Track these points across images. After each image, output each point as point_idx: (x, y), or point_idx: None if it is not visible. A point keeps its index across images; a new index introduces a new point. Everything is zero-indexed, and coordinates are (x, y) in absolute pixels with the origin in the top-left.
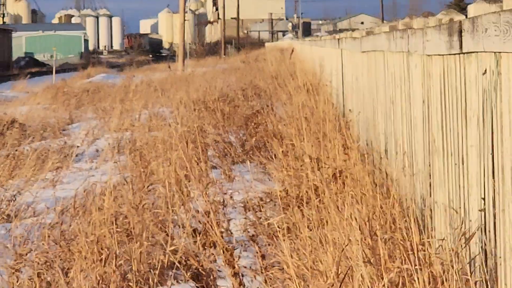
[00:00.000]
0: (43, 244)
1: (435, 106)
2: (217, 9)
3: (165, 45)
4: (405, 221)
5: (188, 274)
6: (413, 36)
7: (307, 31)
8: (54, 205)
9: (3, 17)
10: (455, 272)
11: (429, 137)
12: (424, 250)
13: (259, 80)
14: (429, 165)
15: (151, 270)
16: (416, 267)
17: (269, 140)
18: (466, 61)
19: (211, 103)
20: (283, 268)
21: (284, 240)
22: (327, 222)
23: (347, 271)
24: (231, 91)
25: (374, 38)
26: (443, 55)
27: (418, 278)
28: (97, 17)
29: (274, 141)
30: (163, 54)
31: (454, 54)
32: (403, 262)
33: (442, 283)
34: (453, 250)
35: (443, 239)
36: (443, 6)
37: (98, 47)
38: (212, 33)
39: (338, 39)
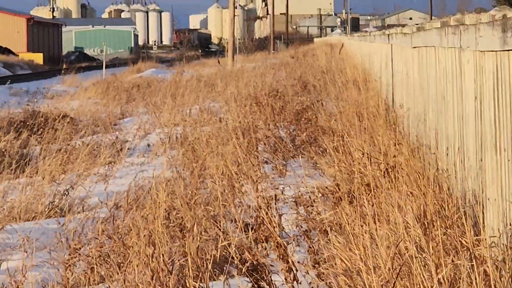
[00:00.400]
0: (96, 238)
1: (488, 102)
2: (266, 5)
3: (214, 40)
4: (458, 217)
5: (243, 269)
6: (466, 32)
7: (355, 26)
8: (107, 200)
9: (53, 12)
10: (509, 269)
11: (481, 132)
12: (476, 246)
13: (309, 75)
14: (481, 161)
15: (205, 265)
16: (469, 264)
17: (320, 135)
18: None
19: (261, 98)
20: (335, 263)
21: (335, 236)
22: (378, 218)
23: (400, 267)
24: (281, 86)
25: (425, 34)
26: (496, 51)
27: (471, 275)
28: (146, 12)
29: (325, 136)
30: (212, 49)
31: (508, 50)
32: (456, 258)
33: (495, 280)
34: (506, 246)
35: (498, 236)
36: (492, 2)
37: (148, 42)
38: (261, 29)
39: (388, 35)
